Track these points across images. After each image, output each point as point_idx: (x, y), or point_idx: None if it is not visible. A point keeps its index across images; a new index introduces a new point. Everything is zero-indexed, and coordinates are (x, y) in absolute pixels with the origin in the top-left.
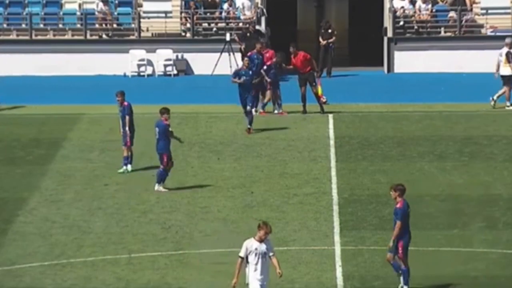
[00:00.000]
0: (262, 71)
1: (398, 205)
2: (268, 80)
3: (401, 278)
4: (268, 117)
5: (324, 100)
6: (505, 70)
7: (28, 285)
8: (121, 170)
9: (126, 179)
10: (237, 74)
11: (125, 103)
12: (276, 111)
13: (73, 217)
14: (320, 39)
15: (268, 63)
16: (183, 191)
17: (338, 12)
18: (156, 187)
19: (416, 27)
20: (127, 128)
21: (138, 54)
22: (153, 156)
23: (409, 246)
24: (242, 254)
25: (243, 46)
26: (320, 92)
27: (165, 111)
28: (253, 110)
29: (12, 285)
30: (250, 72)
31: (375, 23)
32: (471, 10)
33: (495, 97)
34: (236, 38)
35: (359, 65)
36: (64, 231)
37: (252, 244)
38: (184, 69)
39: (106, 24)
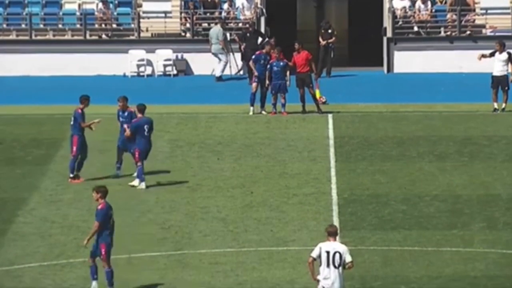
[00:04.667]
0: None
1: (99, 207)
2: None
3: (106, 280)
4: (269, 117)
5: (323, 100)
6: None
7: (28, 286)
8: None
9: (126, 180)
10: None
11: (131, 109)
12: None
13: (72, 217)
14: (320, 40)
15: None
16: (183, 191)
17: (337, 12)
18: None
19: (415, 27)
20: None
21: (137, 54)
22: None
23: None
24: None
25: (243, 46)
26: (318, 94)
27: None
28: (263, 111)
29: (11, 285)
30: (281, 63)
31: (375, 23)
32: (474, 10)
33: None
34: (236, 38)
35: (359, 65)
36: (63, 231)
37: None
38: (184, 69)
39: (105, 24)
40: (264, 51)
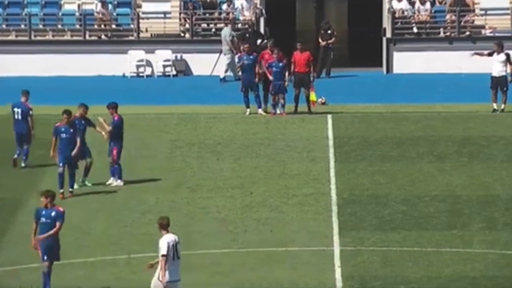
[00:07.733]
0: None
1: (61, 209)
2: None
3: None
4: (268, 118)
5: (323, 101)
6: None
7: (28, 286)
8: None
9: (126, 180)
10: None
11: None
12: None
13: (73, 218)
14: (320, 40)
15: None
16: (183, 192)
17: (337, 13)
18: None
19: (415, 28)
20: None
21: (137, 54)
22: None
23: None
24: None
25: (242, 47)
26: (313, 98)
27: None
28: (260, 110)
29: (12, 285)
30: (280, 64)
31: (374, 24)
32: (473, 10)
33: None
34: (235, 38)
35: (358, 65)
36: (63, 231)
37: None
38: (183, 69)
39: (105, 25)
40: (242, 52)
